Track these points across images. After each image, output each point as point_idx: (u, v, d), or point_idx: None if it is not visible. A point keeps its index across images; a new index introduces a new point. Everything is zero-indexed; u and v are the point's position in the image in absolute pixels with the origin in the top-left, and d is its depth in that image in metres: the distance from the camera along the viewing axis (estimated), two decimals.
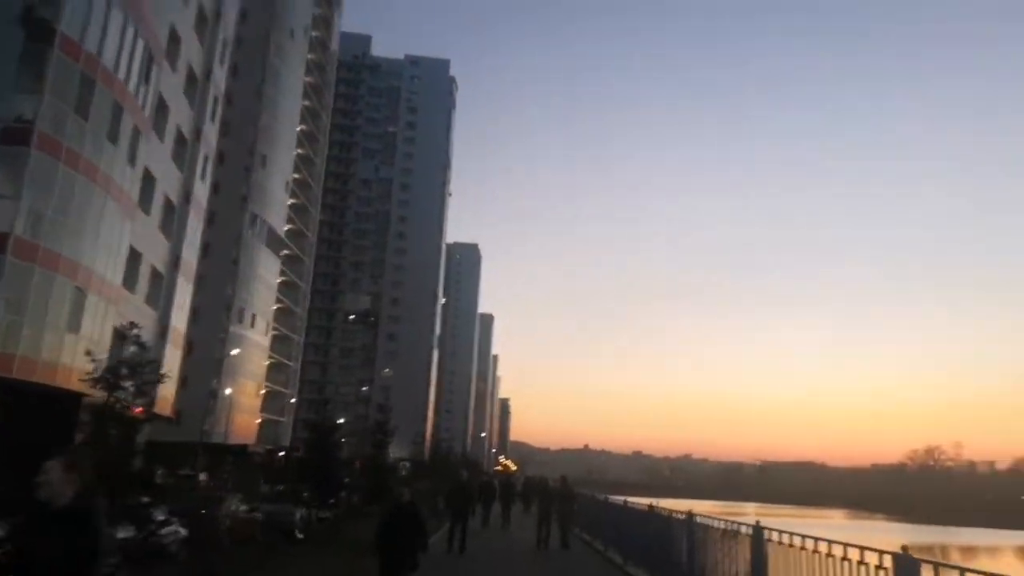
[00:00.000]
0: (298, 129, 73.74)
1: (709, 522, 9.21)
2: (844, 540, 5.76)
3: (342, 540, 19.60)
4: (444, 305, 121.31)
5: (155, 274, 33.58)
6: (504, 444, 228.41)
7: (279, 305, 71.28)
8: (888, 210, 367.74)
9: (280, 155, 67.49)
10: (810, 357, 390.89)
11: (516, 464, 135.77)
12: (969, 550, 48.76)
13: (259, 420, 65.02)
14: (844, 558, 5.55)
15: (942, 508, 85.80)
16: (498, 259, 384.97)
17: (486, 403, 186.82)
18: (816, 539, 6.14)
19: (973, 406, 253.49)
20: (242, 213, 60.93)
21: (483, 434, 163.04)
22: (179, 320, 37.19)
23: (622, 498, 17.13)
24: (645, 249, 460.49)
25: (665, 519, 11.60)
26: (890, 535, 45.97)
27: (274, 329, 69.93)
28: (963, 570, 4.41)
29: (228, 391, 54.90)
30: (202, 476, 39.29)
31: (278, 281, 70.30)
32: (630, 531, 14.65)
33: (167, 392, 32.85)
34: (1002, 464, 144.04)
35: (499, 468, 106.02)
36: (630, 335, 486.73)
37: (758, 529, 7.49)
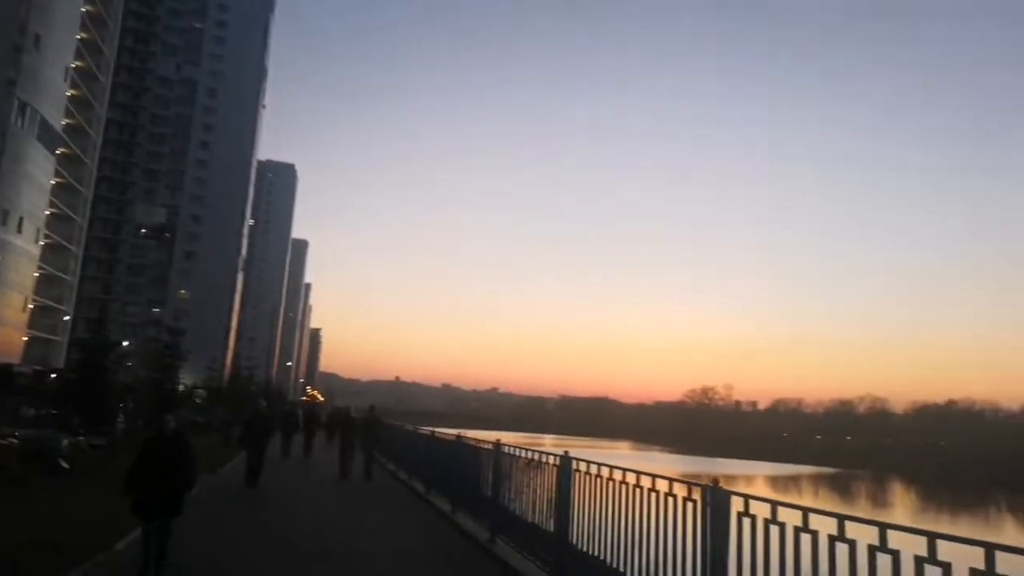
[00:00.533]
0: (83, 9, 63.79)
1: (516, 452, 9.12)
2: (630, 468, 5.96)
3: (115, 472, 17.14)
4: (253, 227, 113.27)
5: None
6: (312, 375, 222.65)
7: (53, 211, 62.71)
8: (668, 157, 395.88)
9: (58, 37, 57.69)
10: (608, 301, 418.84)
11: (324, 395, 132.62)
12: (730, 478, 55.05)
13: (25, 337, 58.30)
14: (652, 489, 5.63)
15: (713, 442, 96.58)
16: (316, 183, 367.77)
17: (295, 332, 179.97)
18: (625, 470, 6.11)
19: (743, 353, 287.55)
20: (8, 98, 51.78)
21: (289, 363, 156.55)
22: None
23: (430, 429, 16.99)
24: (462, 183, 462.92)
25: (472, 448, 11.60)
26: (665, 464, 50.62)
27: (47, 237, 61.65)
28: (773, 503, 4.40)
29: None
30: None
31: (52, 183, 61.54)
32: (436, 461, 14.62)
33: None
34: (763, 404, 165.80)
35: (306, 399, 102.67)
36: (444, 271, 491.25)
37: (566, 459, 7.41)
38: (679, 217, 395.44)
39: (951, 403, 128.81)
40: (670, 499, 5.43)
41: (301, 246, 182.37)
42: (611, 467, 6.47)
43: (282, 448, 25.44)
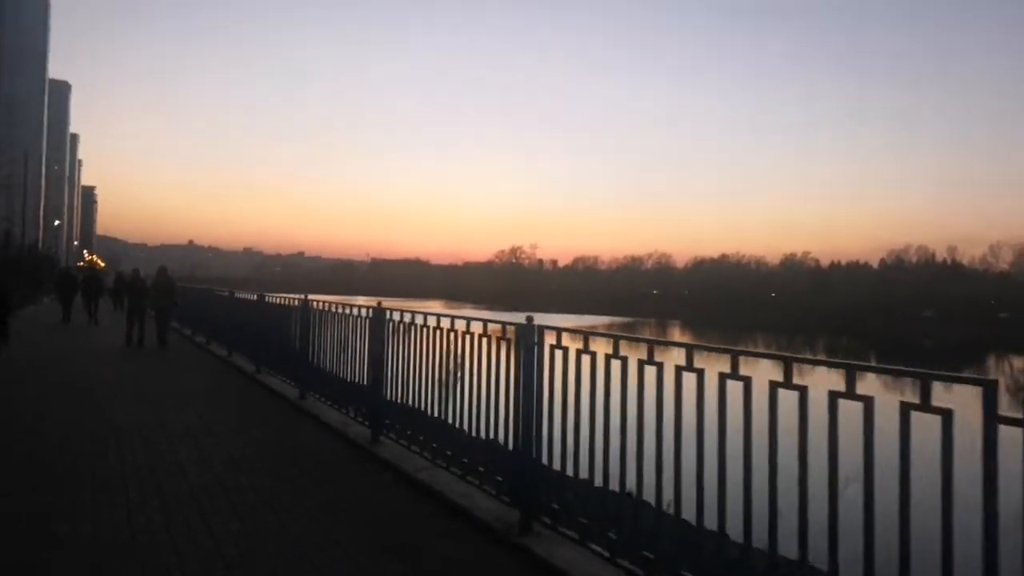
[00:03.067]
0: None
1: (326, 307, 8.91)
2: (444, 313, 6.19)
3: None
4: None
5: None
6: (89, 238, 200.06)
7: None
8: (475, 19, 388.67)
9: None
10: (417, 167, 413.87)
11: (105, 261, 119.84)
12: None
13: None
14: (466, 332, 5.72)
15: (521, 298, 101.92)
16: (77, 12, 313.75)
17: (64, 189, 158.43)
18: (439, 315, 6.19)
19: (547, 214, 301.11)
20: None
21: (57, 222, 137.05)
22: None
23: (230, 290, 16.33)
24: (257, 36, 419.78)
25: (277, 307, 11.27)
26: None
27: None
28: (586, 333, 4.60)
29: None
30: None
31: None
32: (238, 323, 14.13)
33: None
34: (564, 261, 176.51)
35: (83, 264, 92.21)
36: (242, 130, 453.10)
37: (379, 310, 7.34)
38: (492, 80, 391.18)
39: (724, 257, 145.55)
40: (484, 340, 5.46)
41: (62, 88, 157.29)
42: (425, 314, 6.42)
43: (62, 314, 24.83)
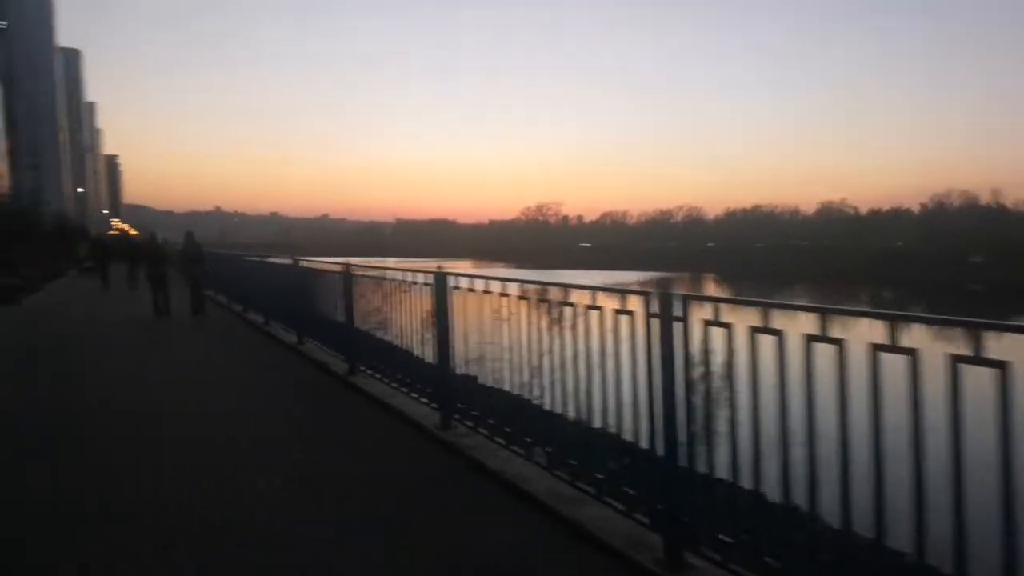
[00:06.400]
0: None
1: (375, 275, 7.90)
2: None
3: None
4: (5, 32, 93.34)
5: None
6: (116, 207, 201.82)
7: None
8: None
9: None
10: (439, 121, 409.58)
11: (135, 229, 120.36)
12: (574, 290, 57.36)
13: None
14: (521, 297, 5.05)
15: (550, 255, 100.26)
16: None
17: (86, 159, 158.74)
18: (493, 279, 5.42)
19: (574, 169, 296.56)
20: None
21: (80, 189, 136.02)
22: None
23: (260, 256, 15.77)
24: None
25: (318, 273, 10.42)
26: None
27: None
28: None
29: None
30: None
31: None
32: (276, 290, 13.17)
33: None
34: (590, 217, 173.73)
35: (114, 232, 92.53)
36: (262, 92, 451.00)
37: (441, 276, 6.17)
38: (513, 40, 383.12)
39: (756, 207, 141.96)
40: (617, 316, 4.11)
41: (73, 56, 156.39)
42: (486, 279, 5.51)
43: (101, 278, 26.40)
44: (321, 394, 8.15)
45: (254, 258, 16.25)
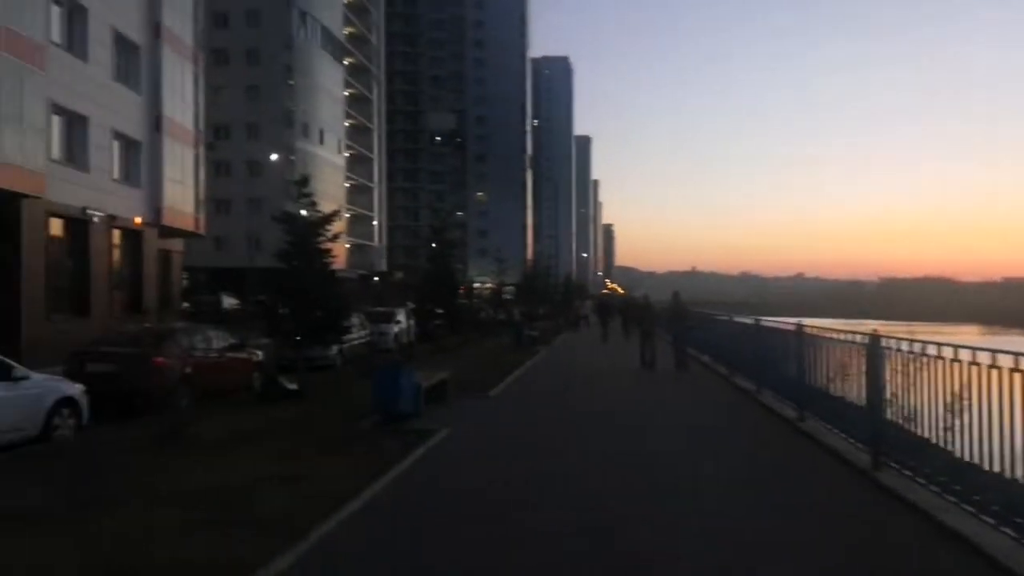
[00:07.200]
0: None
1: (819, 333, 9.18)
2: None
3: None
4: (535, 127, 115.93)
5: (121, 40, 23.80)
6: (609, 269, 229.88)
7: (351, 122, 67.08)
8: None
9: None
10: (932, 169, 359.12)
11: (623, 288, 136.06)
12: None
13: (347, 245, 58.01)
14: (972, 363, 4.99)
15: None
16: (592, 76, 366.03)
17: (589, 228, 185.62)
18: (939, 344, 5.60)
19: None
20: (288, 10, 53.85)
21: (584, 255, 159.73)
22: (176, 109, 26.89)
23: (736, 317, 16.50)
24: (754, 68, 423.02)
25: (774, 331, 11.67)
26: None
27: (349, 148, 65.71)
28: None
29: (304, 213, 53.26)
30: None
31: (344, 94, 64.48)
32: (740, 346, 14.45)
33: (179, 199, 27.04)
34: None
35: (605, 292, 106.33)
36: (738, 157, 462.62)
37: (874, 338, 7.09)
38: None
39: None
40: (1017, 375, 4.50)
41: (584, 142, 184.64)
42: (923, 343, 5.96)
43: (601, 334, 30.34)
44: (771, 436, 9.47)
45: (722, 317, 17.50)
